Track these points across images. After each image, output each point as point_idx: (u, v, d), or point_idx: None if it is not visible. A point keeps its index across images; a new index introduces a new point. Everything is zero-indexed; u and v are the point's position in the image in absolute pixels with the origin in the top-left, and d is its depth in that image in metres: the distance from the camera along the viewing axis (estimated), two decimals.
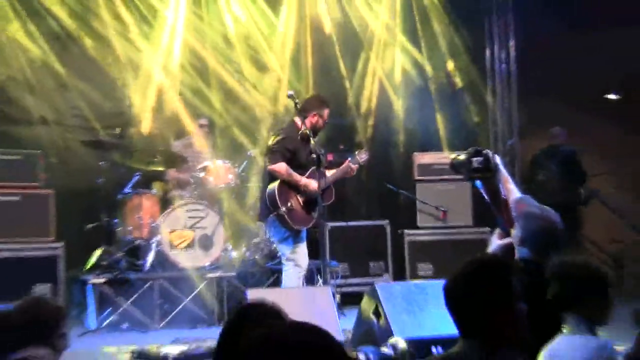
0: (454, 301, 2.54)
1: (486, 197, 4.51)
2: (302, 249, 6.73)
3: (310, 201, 6.66)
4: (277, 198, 6.58)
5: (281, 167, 6.59)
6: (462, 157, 4.51)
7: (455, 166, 4.56)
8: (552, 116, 10.10)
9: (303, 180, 6.65)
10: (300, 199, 6.67)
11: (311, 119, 6.73)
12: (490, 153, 4.50)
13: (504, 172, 4.42)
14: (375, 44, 10.04)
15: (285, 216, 6.58)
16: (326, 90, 8.90)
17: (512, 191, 4.20)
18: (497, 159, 4.40)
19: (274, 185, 6.63)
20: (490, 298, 2.49)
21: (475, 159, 4.45)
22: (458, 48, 10.03)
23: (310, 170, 6.62)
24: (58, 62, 8.73)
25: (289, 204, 6.57)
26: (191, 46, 9.24)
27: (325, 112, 6.82)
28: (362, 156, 6.97)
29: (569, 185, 9.29)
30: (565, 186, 9.20)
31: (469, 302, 2.50)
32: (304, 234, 6.79)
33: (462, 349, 2.48)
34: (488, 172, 4.39)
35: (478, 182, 4.49)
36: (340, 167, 6.89)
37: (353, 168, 6.86)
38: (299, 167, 6.68)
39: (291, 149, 6.65)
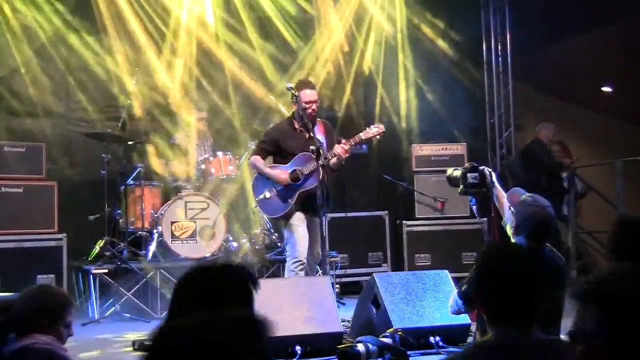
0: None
1: (476, 215, 4.60)
2: (297, 236, 6.57)
3: (285, 190, 6.61)
4: (253, 188, 6.86)
5: (252, 161, 6.81)
6: (458, 172, 4.57)
7: (451, 180, 4.63)
8: (548, 109, 10.19)
9: (266, 170, 6.69)
10: (276, 189, 6.64)
11: (294, 106, 6.68)
12: (486, 169, 4.56)
13: (499, 188, 4.47)
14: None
15: (258, 206, 6.83)
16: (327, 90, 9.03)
17: (505, 208, 4.23)
18: (493, 175, 4.45)
19: (254, 176, 6.91)
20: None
21: (470, 174, 4.51)
22: (455, 41, 10.08)
23: (296, 156, 6.56)
24: (62, 54, 8.80)
25: (262, 195, 6.66)
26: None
27: (302, 93, 6.55)
28: (372, 130, 6.65)
29: (535, 177, 9.45)
30: (531, 179, 9.38)
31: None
32: (300, 222, 6.61)
33: (497, 337, 2.41)
34: (483, 187, 4.44)
35: (473, 200, 4.57)
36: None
37: (339, 150, 6.44)
38: (287, 153, 6.66)
39: (271, 140, 6.74)
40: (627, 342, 1.68)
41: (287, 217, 6.63)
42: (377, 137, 6.77)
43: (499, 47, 10.46)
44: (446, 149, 9.39)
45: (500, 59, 10.46)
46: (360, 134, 6.62)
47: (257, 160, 6.74)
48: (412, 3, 10.17)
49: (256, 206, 7.01)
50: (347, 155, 6.46)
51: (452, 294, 4.40)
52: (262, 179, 6.74)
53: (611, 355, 1.70)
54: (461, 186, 4.66)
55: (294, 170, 6.57)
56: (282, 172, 6.62)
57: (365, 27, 10.09)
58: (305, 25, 9.91)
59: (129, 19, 8.97)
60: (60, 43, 8.81)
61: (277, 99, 8.74)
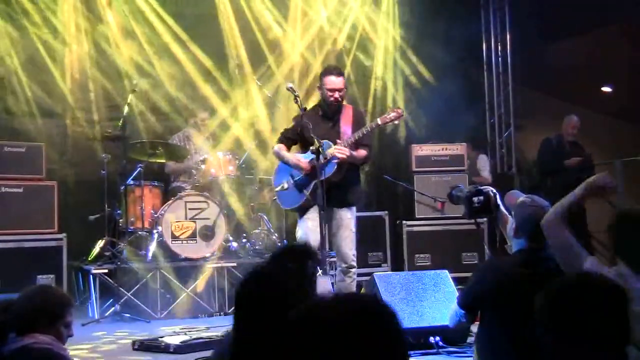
0: None
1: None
2: (307, 230, 6.24)
3: (302, 181, 6.31)
4: (273, 178, 6.68)
5: (275, 149, 6.53)
6: (463, 194, 4.49)
7: (453, 199, 4.55)
8: (548, 109, 10.19)
9: (292, 158, 6.36)
10: (293, 178, 6.36)
11: (319, 92, 6.47)
12: (491, 192, 4.48)
13: (503, 211, 4.41)
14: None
15: (277, 198, 6.68)
16: None
17: (509, 231, 4.04)
18: (497, 197, 4.40)
19: (277, 166, 6.66)
20: None
21: (475, 198, 4.44)
22: (455, 41, 10.09)
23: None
24: (60, 55, 8.81)
25: (280, 185, 6.43)
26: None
27: (325, 80, 6.34)
28: (390, 115, 6.36)
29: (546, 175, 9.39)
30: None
31: None
32: (314, 216, 6.18)
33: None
34: (489, 213, 4.37)
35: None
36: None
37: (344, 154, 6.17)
38: (308, 146, 6.26)
39: (294, 128, 6.45)
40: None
41: (303, 209, 6.32)
42: (396, 122, 6.44)
43: (499, 47, 10.47)
44: (446, 149, 9.38)
45: (500, 59, 10.47)
46: (378, 119, 6.37)
47: (281, 148, 6.45)
48: (412, 3, 10.18)
49: (275, 199, 6.85)
50: (346, 158, 6.16)
51: (451, 307, 4.18)
52: (282, 169, 6.47)
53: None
54: (466, 210, 4.55)
55: (312, 159, 6.14)
56: (299, 155, 6.35)
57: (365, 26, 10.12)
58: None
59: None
60: (60, 42, 8.82)
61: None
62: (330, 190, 5.98)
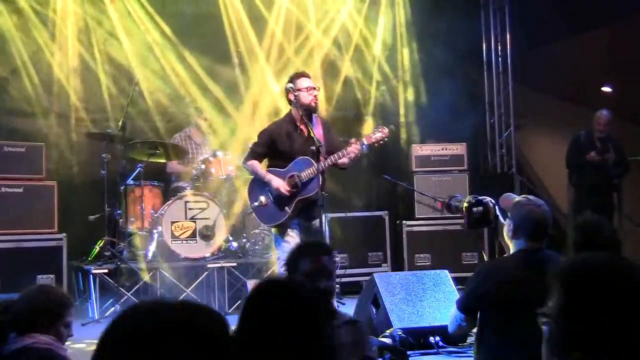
0: None
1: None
2: (286, 245, 6.08)
3: (282, 197, 6.20)
4: (248, 194, 6.52)
5: (248, 165, 6.42)
6: (461, 204, 4.48)
7: (451, 209, 4.54)
8: (548, 109, 10.18)
9: (266, 176, 6.27)
10: (272, 195, 6.25)
11: (291, 99, 6.26)
12: (490, 203, 4.45)
13: (502, 222, 4.38)
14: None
15: (254, 213, 6.52)
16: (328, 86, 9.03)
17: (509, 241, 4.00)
18: (496, 208, 4.37)
19: (250, 181, 6.58)
20: None
21: (475, 208, 4.41)
22: (455, 41, 10.08)
23: (294, 160, 6.20)
24: (61, 54, 8.81)
25: (258, 201, 6.28)
26: None
27: (299, 82, 6.19)
28: (376, 135, 6.33)
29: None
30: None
31: None
32: (292, 228, 6.25)
33: None
34: (488, 223, 4.35)
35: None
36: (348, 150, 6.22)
37: (356, 152, 6.19)
38: (285, 156, 6.27)
39: (266, 142, 6.36)
40: (584, 324, 1.75)
41: (284, 226, 6.25)
42: (382, 142, 6.35)
43: (499, 47, 10.46)
44: (446, 149, 9.40)
45: (500, 59, 10.46)
46: (363, 139, 6.31)
47: (254, 164, 6.36)
48: (412, 3, 10.18)
49: (251, 213, 6.77)
50: (358, 155, 6.21)
51: (450, 312, 4.13)
52: (258, 184, 6.37)
53: (570, 336, 1.78)
54: (466, 221, 4.53)
55: (292, 175, 6.16)
56: (280, 180, 6.21)
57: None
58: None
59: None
60: (59, 42, 8.82)
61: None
62: (310, 205, 6.11)
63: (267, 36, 9.65)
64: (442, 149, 9.38)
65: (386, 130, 6.37)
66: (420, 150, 9.39)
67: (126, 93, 8.57)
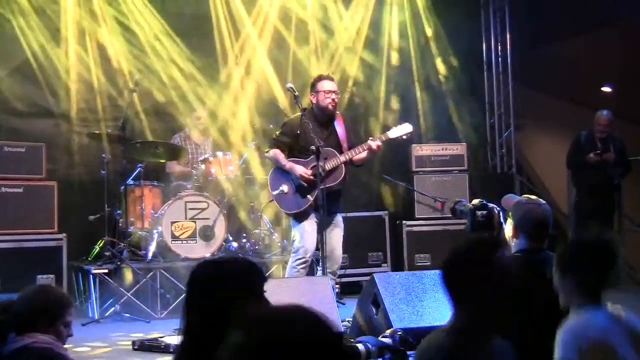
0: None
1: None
2: (304, 233, 6.49)
3: (304, 185, 6.45)
4: (270, 183, 6.73)
5: (272, 154, 6.65)
6: (465, 207, 4.47)
7: (455, 213, 4.53)
8: (548, 109, 10.18)
9: (288, 164, 6.52)
10: (294, 184, 6.51)
11: (312, 100, 6.61)
12: (496, 209, 4.44)
13: (504, 234, 4.36)
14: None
15: (275, 200, 6.74)
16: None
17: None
18: (501, 215, 4.36)
19: (270, 171, 6.78)
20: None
21: (479, 212, 4.41)
22: (455, 41, 10.08)
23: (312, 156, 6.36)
24: (61, 54, 8.81)
25: (280, 189, 6.52)
26: None
27: (320, 85, 6.52)
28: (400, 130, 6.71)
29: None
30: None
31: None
32: (311, 219, 6.51)
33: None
34: (491, 229, 4.34)
35: None
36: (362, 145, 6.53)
37: (373, 145, 6.47)
38: (304, 151, 6.49)
39: (288, 135, 6.58)
40: None
41: (303, 214, 6.52)
42: (404, 136, 6.76)
43: (499, 47, 10.47)
44: (446, 149, 9.40)
45: (500, 59, 10.47)
46: (388, 132, 6.71)
47: (277, 153, 6.58)
48: (412, 3, 10.17)
49: (271, 201, 7.01)
50: (377, 149, 6.51)
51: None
52: (279, 173, 6.61)
53: None
54: (469, 224, 4.52)
55: (314, 165, 6.32)
56: (295, 165, 6.50)
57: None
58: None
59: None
60: (59, 42, 8.82)
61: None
62: (331, 197, 6.34)
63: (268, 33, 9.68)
64: (442, 149, 9.38)
65: (409, 126, 6.76)
66: (420, 150, 9.38)
67: (127, 93, 8.57)
